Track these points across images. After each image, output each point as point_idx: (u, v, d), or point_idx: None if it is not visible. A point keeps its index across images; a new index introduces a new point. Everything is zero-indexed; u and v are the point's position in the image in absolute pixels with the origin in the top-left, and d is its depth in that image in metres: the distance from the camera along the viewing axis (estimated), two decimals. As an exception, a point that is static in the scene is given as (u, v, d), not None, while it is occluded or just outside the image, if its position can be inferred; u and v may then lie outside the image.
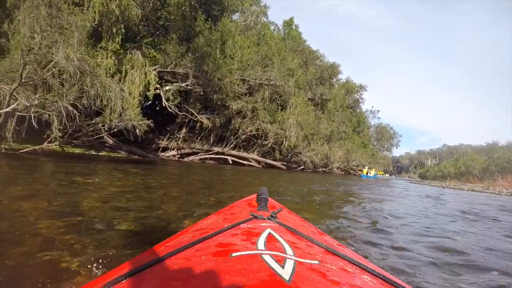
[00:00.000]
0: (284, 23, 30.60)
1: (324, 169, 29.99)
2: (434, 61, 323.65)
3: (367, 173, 29.29)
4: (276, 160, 24.17)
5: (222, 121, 19.91)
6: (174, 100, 16.20)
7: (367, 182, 16.23)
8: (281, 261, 0.50)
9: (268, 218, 0.88)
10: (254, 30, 22.75)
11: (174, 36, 15.79)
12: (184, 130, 19.56)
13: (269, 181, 8.50)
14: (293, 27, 30.23)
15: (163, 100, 15.74)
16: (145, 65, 12.42)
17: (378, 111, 47.77)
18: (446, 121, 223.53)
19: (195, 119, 18.22)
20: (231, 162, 21.11)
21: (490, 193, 13.01)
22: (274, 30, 27.74)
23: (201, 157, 19.84)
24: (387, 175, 40.65)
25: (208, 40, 16.89)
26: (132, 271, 0.50)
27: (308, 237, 0.74)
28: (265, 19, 25.11)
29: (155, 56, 14.18)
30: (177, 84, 16.32)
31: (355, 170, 37.90)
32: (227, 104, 18.96)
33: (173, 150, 19.17)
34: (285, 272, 0.45)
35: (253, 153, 23.16)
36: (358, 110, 40.32)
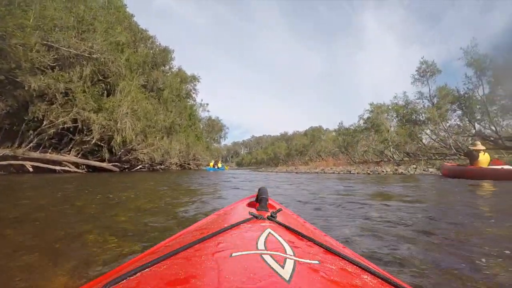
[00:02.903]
0: (101, -12, 24.10)
1: (161, 166, 26.61)
2: (241, 64, 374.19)
3: (214, 166, 28.48)
4: (103, 161, 18.61)
5: (10, 107, 12.75)
6: None
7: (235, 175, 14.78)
8: (281, 261, 0.50)
9: (268, 218, 0.86)
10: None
11: None
12: None
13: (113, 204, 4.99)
14: (115, -5, 24.39)
15: None
16: None
17: (207, 104, 48.33)
18: (253, 116, 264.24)
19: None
20: (31, 169, 14.07)
21: (331, 173, 14.83)
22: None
23: (-32, 166, 11.91)
24: None
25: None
26: (132, 271, 0.49)
27: (308, 237, 0.72)
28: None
29: None
30: None
31: (189, 165, 36.69)
32: (19, 79, 12.19)
33: None
34: (285, 272, 0.45)
35: (69, 153, 16.67)
36: (192, 102, 38.91)
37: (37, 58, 12.40)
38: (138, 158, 21.11)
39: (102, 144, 18.03)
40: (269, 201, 1.23)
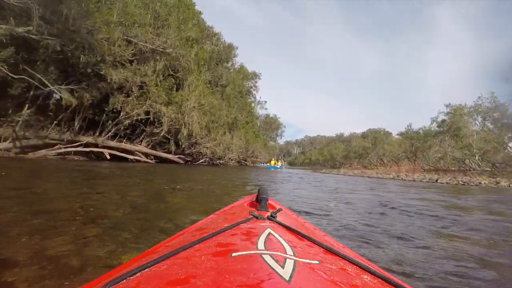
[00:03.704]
0: (173, -13, 25.23)
1: (220, 161, 27.05)
2: (294, 62, 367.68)
3: (274, 164, 28.21)
4: (170, 153, 19.33)
5: (94, 98, 13.74)
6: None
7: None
8: (281, 261, 0.50)
9: (268, 218, 0.86)
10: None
11: None
12: (27, 110, 12.37)
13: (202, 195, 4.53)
14: (185, -6, 25.33)
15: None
16: None
17: (265, 102, 48.13)
18: (306, 115, 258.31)
19: (48, 91, 11.57)
20: (108, 157, 15.09)
21: (411, 180, 12.96)
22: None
23: (60, 151, 13.10)
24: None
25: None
26: (132, 271, 0.49)
27: (308, 237, 0.72)
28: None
29: None
30: (8, 26, 9.50)
31: (246, 161, 36.88)
32: (102, 72, 13.03)
33: (4, 141, 11.77)
34: (285, 272, 0.45)
35: (141, 144, 17.61)
36: (252, 99, 39.06)
37: (119, 52, 13.12)
38: (201, 152, 21.56)
39: (169, 136, 18.73)
40: (269, 201, 1.20)
